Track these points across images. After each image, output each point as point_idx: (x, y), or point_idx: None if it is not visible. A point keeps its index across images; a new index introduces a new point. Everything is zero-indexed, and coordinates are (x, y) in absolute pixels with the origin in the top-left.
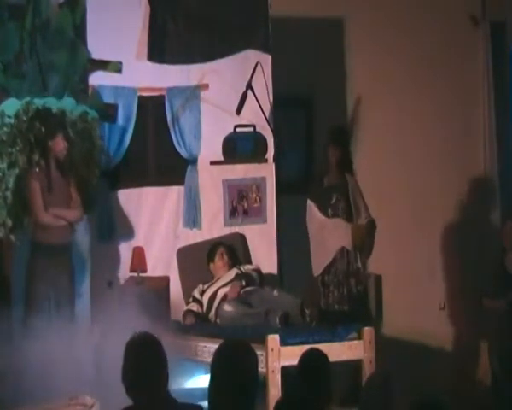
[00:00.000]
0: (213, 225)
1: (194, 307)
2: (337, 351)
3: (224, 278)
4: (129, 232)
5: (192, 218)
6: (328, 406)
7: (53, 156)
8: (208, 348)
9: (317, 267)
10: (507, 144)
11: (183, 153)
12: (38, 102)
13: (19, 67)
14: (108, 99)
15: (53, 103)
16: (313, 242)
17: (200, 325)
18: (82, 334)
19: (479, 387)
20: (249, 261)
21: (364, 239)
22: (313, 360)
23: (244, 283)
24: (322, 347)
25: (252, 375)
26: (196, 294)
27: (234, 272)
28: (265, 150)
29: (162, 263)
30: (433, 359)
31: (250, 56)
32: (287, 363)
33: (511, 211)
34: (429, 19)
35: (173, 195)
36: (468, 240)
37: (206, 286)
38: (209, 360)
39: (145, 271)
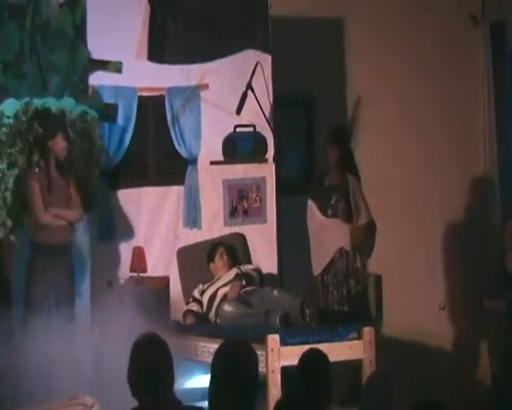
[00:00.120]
0: (213, 225)
1: (194, 307)
2: (337, 351)
3: (224, 278)
4: (129, 232)
5: (192, 218)
6: (328, 406)
7: (53, 156)
8: (208, 348)
9: (317, 267)
10: (507, 144)
11: (183, 153)
12: (38, 102)
13: (19, 67)
14: (108, 99)
15: (52, 103)
16: (313, 241)
17: (200, 325)
18: (82, 334)
19: (479, 387)
20: (249, 261)
21: (363, 240)
22: (313, 360)
23: (244, 283)
24: (322, 347)
25: (252, 375)
26: (196, 294)
27: (234, 271)
28: (265, 150)
29: (162, 263)
30: (433, 359)
31: (250, 56)
32: (287, 363)
33: (511, 211)
34: (429, 19)
35: (173, 195)
36: (468, 240)
37: (206, 286)
38: (209, 360)
39: (145, 271)
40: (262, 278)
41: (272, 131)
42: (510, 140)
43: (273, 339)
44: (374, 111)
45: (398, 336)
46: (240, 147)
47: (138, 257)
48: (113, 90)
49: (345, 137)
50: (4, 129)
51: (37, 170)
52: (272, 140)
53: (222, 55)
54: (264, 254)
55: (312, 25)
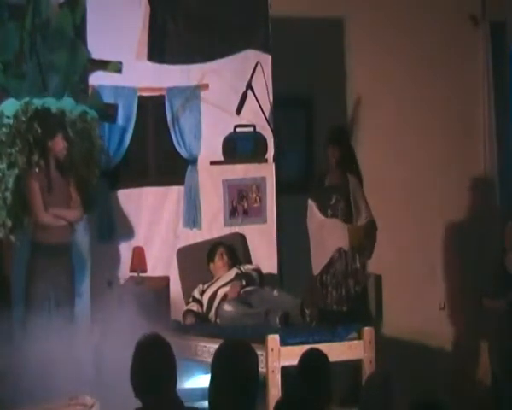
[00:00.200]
0: (213, 225)
1: (194, 307)
2: (337, 351)
3: (224, 278)
4: (129, 232)
5: (192, 218)
6: (328, 406)
7: (52, 156)
8: (208, 348)
9: (316, 267)
10: (507, 144)
11: (183, 153)
12: (37, 102)
13: (19, 67)
14: (108, 99)
15: (52, 103)
16: (312, 241)
17: (200, 325)
18: (82, 334)
19: (479, 387)
20: (249, 261)
21: (362, 240)
22: (313, 360)
23: (244, 283)
24: (322, 347)
25: (252, 375)
26: (196, 294)
27: (234, 271)
28: (265, 150)
29: (162, 263)
30: (433, 359)
31: (250, 56)
32: (287, 363)
33: (511, 211)
34: (429, 19)
35: (173, 195)
36: (468, 240)
37: (206, 286)
38: (209, 360)
39: (145, 271)
40: (262, 278)
41: (272, 131)
42: (510, 140)
43: (273, 339)
44: (374, 111)
45: (398, 336)
46: (240, 147)
47: (138, 257)
48: (113, 90)
49: (344, 138)
50: (4, 129)
51: (37, 170)
52: (272, 140)
53: (222, 55)
54: (264, 254)
55: (312, 25)
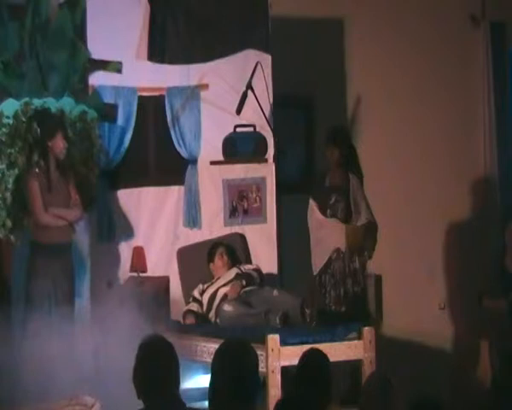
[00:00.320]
0: (213, 225)
1: (194, 306)
2: (337, 351)
3: (224, 278)
4: (129, 232)
5: (192, 218)
6: (328, 406)
7: (52, 156)
8: (208, 348)
9: (316, 267)
10: (507, 144)
11: (183, 153)
12: (37, 102)
13: (19, 67)
14: (108, 99)
15: (52, 103)
16: (312, 241)
17: (200, 325)
18: (82, 334)
19: (479, 387)
20: (249, 261)
21: (360, 241)
22: (313, 360)
23: (244, 282)
24: (322, 347)
25: (252, 375)
26: (196, 294)
27: (234, 271)
28: (265, 150)
29: (162, 263)
30: (433, 359)
31: (250, 56)
32: (287, 363)
33: (511, 211)
34: (429, 19)
35: (173, 195)
36: (468, 240)
37: (206, 286)
38: (209, 360)
39: (145, 271)
40: (262, 278)
41: (272, 131)
42: (510, 140)
43: (273, 339)
44: (374, 111)
45: (398, 336)
46: (240, 147)
47: (138, 257)
48: (113, 90)
49: (343, 137)
50: (4, 129)
51: (37, 170)
52: (272, 140)
53: (222, 55)
54: (264, 254)
55: (312, 25)
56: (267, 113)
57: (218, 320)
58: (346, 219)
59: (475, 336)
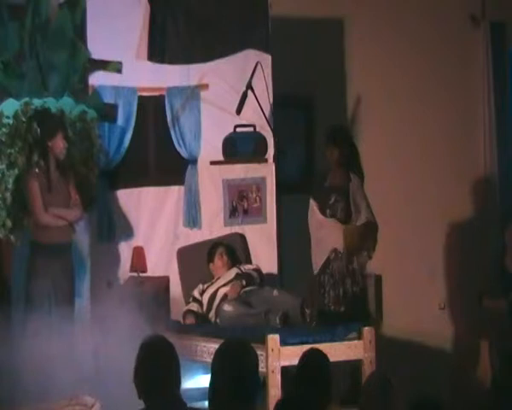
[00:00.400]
0: (213, 225)
1: (194, 306)
2: (337, 351)
3: (224, 278)
4: (129, 232)
5: (192, 218)
6: (328, 406)
7: (52, 156)
8: (208, 348)
9: (316, 267)
10: (507, 144)
11: (183, 153)
12: (37, 102)
13: (19, 67)
14: (108, 99)
15: (52, 103)
16: (312, 240)
17: (200, 325)
18: (82, 334)
19: (479, 387)
20: (249, 261)
21: (358, 241)
22: (313, 360)
23: (244, 282)
24: (322, 347)
25: (252, 375)
26: (196, 294)
27: (234, 271)
28: (265, 150)
29: (162, 263)
30: (433, 359)
31: (250, 56)
32: (287, 363)
33: (511, 211)
34: (429, 19)
35: (173, 195)
36: (468, 240)
37: (206, 286)
38: (209, 360)
39: (145, 271)
40: (262, 278)
41: (272, 131)
42: (510, 140)
43: (273, 339)
44: (374, 111)
45: (398, 336)
46: (240, 147)
47: (138, 257)
48: (113, 90)
49: (342, 137)
50: (4, 129)
51: (36, 170)
52: (272, 140)
53: (222, 55)
54: (264, 254)
55: (312, 25)
56: (267, 113)
57: (218, 320)
58: (346, 219)
59: (475, 336)
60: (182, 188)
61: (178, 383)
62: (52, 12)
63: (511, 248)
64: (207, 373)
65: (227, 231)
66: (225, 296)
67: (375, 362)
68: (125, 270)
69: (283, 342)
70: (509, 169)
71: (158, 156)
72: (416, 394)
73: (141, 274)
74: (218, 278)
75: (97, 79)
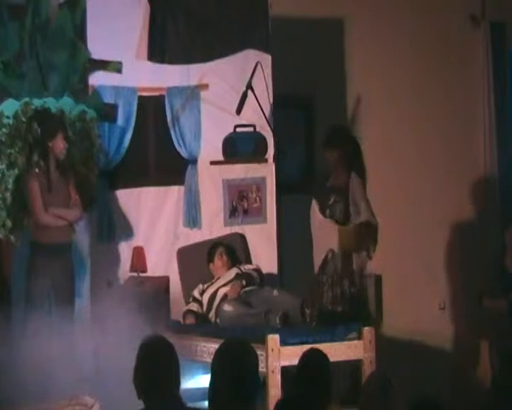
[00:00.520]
0: (213, 225)
1: (194, 306)
2: (337, 351)
3: (224, 278)
4: (129, 232)
5: (192, 218)
6: (328, 406)
7: (53, 157)
8: (208, 348)
9: (316, 267)
10: (507, 144)
11: (183, 153)
12: (37, 102)
13: (19, 67)
14: (108, 99)
15: (52, 103)
16: (314, 240)
17: (200, 325)
18: (81, 334)
19: (479, 387)
20: (249, 261)
21: (355, 241)
22: (313, 360)
23: (244, 282)
24: (322, 347)
25: (252, 375)
26: (196, 294)
27: (234, 271)
28: (265, 150)
29: (162, 263)
30: (433, 359)
31: (250, 56)
32: (287, 363)
33: (511, 211)
34: (429, 19)
35: (173, 195)
36: (468, 240)
37: (206, 286)
38: (209, 360)
39: (145, 271)
40: (262, 278)
41: (272, 131)
42: (510, 140)
43: (273, 339)
44: (374, 111)
45: (398, 336)
46: (240, 147)
47: (138, 257)
48: (113, 90)
49: (341, 137)
50: (4, 129)
51: (36, 170)
52: (272, 140)
53: (222, 55)
54: (264, 254)
55: (312, 25)
56: (267, 113)
57: (218, 320)
58: (345, 220)
59: (475, 336)
60: (182, 188)
61: (178, 383)
62: (52, 12)
63: (511, 248)
64: (207, 373)
65: (227, 231)
66: (225, 296)
67: (375, 362)
68: (125, 270)
69: (283, 342)
70: (509, 169)
71: (158, 156)
72: (415, 394)
73: (141, 274)
74: (218, 278)
75: (97, 79)
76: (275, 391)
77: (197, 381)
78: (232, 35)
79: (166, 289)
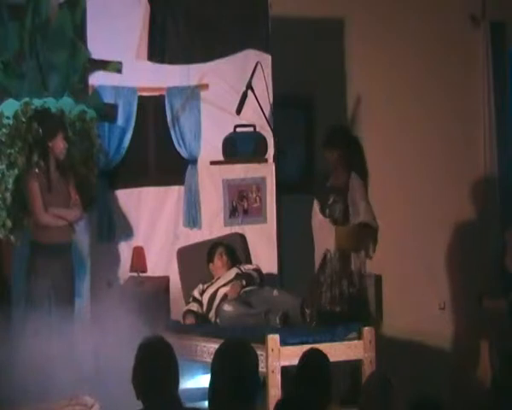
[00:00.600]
0: (213, 225)
1: (194, 306)
2: (337, 351)
3: (224, 278)
4: (129, 232)
5: (192, 218)
6: (328, 406)
7: (53, 157)
8: (208, 348)
9: (316, 267)
10: (507, 144)
11: (183, 153)
12: (37, 102)
13: (19, 67)
14: (108, 99)
15: (52, 103)
16: (315, 240)
17: (200, 325)
18: (81, 334)
19: (479, 387)
20: (249, 261)
21: (352, 242)
22: (313, 360)
23: (244, 282)
24: (322, 347)
25: (252, 375)
26: (196, 294)
27: (234, 271)
28: (265, 150)
29: (162, 263)
30: (433, 359)
31: (250, 56)
32: (287, 363)
33: (511, 211)
34: (429, 19)
35: (173, 195)
36: (468, 240)
37: (206, 286)
38: (209, 360)
39: (145, 271)
40: (262, 278)
41: (272, 131)
42: (510, 140)
43: (273, 339)
44: (374, 111)
45: (398, 336)
46: (240, 147)
47: (138, 257)
48: (113, 90)
49: (341, 137)
50: (4, 129)
51: (36, 170)
52: (272, 140)
53: (222, 55)
54: (264, 254)
55: (312, 25)
56: (267, 113)
57: (218, 320)
58: (344, 220)
59: (475, 336)
60: (182, 188)
61: (177, 383)
62: (52, 12)
63: (511, 248)
64: (207, 373)
65: (227, 231)
66: (225, 296)
67: (375, 362)
68: (125, 270)
69: (283, 342)
70: (509, 169)
71: (158, 156)
72: (416, 394)
73: (141, 274)
74: (218, 278)
75: (97, 79)
76: (275, 391)
77: (197, 381)
78: (232, 35)
79: (166, 290)
